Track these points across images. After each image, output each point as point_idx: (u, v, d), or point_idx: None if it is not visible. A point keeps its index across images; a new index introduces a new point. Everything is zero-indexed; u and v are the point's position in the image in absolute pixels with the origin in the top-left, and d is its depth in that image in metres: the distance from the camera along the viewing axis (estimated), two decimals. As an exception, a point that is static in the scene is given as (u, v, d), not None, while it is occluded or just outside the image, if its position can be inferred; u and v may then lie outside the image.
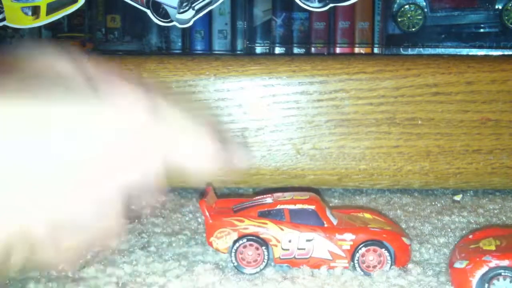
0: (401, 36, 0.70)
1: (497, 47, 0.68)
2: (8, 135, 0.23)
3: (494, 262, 0.33)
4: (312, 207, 0.40)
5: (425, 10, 0.69)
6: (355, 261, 0.39)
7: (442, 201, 0.56)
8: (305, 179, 0.57)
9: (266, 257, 0.39)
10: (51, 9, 0.61)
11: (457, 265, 0.35)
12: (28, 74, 0.25)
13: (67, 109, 0.24)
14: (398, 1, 0.70)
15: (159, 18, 0.61)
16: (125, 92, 0.26)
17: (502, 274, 0.33)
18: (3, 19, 0.61)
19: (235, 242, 0.39)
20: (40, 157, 0.23)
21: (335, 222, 0.40)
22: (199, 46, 0.74)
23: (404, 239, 0.39)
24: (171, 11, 0.60)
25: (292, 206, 0.40)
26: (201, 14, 0.61)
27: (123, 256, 0.41)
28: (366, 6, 0.71)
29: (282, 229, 0.39)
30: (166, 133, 0.27)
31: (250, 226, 0.39)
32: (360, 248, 0.38)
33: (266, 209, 0.40)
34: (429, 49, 0.69)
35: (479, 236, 0.38)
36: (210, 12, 0.65)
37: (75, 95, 0.25)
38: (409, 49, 0.69)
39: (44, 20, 0.61)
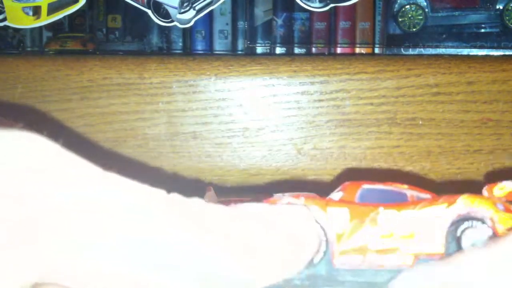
0: (402, 36, 0.70)
1: (498, 47, 0.67)
2: None
3: None
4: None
5: (426, 10, 0.69)
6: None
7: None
8: (306, 179, 0.57)
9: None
10: (52, 9, 0.61)
11: None
12: None
13: None
14: (399, 1, 0.70)
15: (160, 18, 0.61)
16: None
17: None
18: (4, 19, 0.61)
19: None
20: None
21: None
22: (200, 46, 0.74)
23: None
24: (172, 11, 0.60)
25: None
26: (202, 14, 0.61)
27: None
28: (367, 6, 0.71)
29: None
30: None
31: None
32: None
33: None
34: (430, 49, 0.69)
35: None
36: (211, 12, 0.65)
37: None
38: (410, 49, 0.69)
39: (45, 20, 0.62)
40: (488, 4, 0.68)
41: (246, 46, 0.71)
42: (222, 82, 0.57)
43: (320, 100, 0.57)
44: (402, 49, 0.70)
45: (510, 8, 0.67)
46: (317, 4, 0.60)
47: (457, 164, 0.57)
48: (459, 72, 0.56)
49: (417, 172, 0.57)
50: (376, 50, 0.71)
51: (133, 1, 0.61)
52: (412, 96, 0.56)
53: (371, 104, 0.56)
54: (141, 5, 0.61)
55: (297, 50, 0.72)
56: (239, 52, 0.73)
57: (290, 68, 0.57)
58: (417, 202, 0.27)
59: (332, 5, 0.59)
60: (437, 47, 0.69)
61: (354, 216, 0.26)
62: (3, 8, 0.60)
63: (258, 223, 0.24)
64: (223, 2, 0.62)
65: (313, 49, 0.73)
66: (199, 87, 0.57)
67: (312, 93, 0.57)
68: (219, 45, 0.74)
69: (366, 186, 0.28)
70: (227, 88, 0.57)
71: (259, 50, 0.72)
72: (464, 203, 0.26)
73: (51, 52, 0.71)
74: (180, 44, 0.73)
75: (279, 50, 0.72)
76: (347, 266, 0.26)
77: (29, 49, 0.72)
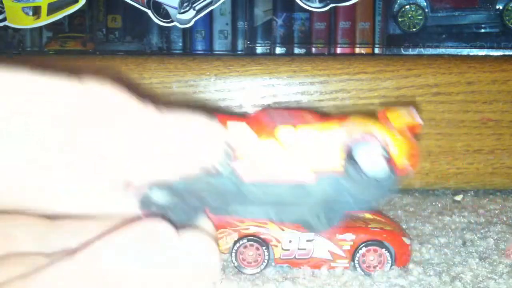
0: (402, 36, 0.70)
1: (498, 47, 0.68)
2: None
3: None
4: (313, 207, 0.40)
5: (426, 10, 0.69)
6: (356, 261, 0.39)
7: (443, 201, 0.56)
8: (305, 179, 0.57)
9: (266, 258, 0.39)
10: (52, 9, 0.61)
11: None
12: None
13: None
14: (398, 1, 0.70)
15: (160, 18, 0.61)
16: None
17: None
18: (4, 19, 0.61)
19: (235, 242, 0.39)
20: None
21: (335, 222, 0.40)
22: (199, 46, 0.74)
23: (404, 239, 0.39)
24: (171, 11, 0.60)
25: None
26: (201, 14, 0.61)
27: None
28: (366, 6, 0.71)
29: (282, 230, 0.39)
30: None
31: (250, 226, 0.39)
32: (361, 248, 0.38)
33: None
34: (430, 49, 0.69)
35: None
36: (210, 12, 0.65)
37: None
38: (410, 49, 0.69)
39: (45, 20, 0.62)
40: (488, 4, 0.68)
41: (246, 46, 0.71)
42: (222, 82, 0.57)
43: (320, 100, 0.57)
44: (402, 49, 0.70)
45: (510, 8, 0.67)
46: (317, 4, 0.60)
47: (457, 164, 0.57)
48: (459, 72, 0.56)
49: (417, 171, 0.57)
50: (376, 50, 0.71)
51: (133, 1, 0.61)
52: (412, 96, 0.56)
53: (371, 104, 0.56)
54: (141, 5, 0.61)
55: (297, 50, 0.72)
56: (239, 52, 0.73)
57: (290, 68, 0.57)
58: (313, 121, 0.28)
59: (332, 5, 0.60)
60: (437, 47, 0.69)
61: (255, 130, 0.27)
62: (3, 8, 0.60)
63: (149, 132, 0.24)
64: (223, 2, 0.62)
65: (313, 49, 0.73)
66: (199, 87, 0.57)
67: (312, 93, 0.57)
68: (219, 45, 0.74)
69: (270, 109, 0.29)
70: (227, 88, 0.57)
71: (259, 50, 0.72)
72: (356, 122, 0.27)
73: (51, 52, 0.71)
74: (180, 44, 0.73)
75: (279, 50, 0.72)
76: (254, 180, 0.27)
77: (29, 49, 0.72)
